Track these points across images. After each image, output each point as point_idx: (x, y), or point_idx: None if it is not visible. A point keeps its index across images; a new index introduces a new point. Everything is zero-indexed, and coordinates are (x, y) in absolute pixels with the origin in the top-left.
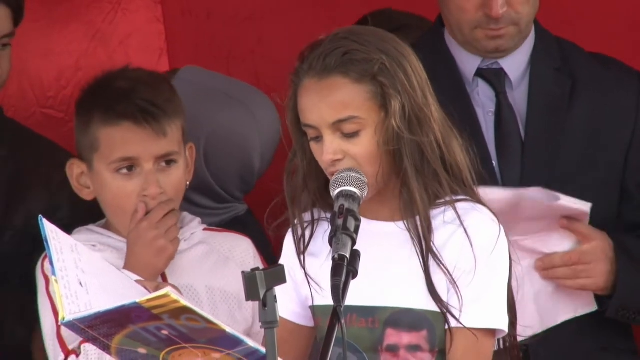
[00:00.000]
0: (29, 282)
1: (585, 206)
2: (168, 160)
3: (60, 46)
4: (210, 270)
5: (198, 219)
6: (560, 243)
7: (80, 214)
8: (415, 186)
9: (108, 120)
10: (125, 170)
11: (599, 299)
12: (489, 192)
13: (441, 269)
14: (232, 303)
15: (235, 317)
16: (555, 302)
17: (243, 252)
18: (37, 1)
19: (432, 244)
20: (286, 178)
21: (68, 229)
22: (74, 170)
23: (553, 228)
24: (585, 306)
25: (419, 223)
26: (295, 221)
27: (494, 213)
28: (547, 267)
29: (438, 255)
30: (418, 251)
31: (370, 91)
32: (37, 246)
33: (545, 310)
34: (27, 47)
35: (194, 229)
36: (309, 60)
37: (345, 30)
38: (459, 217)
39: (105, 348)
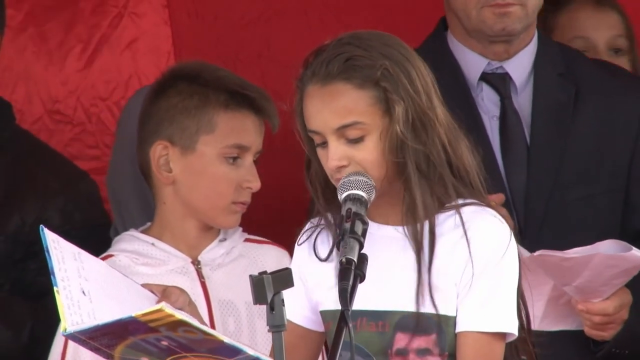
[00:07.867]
0: (20, 288)
1: None
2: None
3: (66, 50)
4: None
5: (240, 229)
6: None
7: (71, 224)
8: (418, 193)
9: (231, 105)
10: (231, 159)
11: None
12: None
13: (427, 274)
14: None
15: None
16: (560, 312)
17: (282, 266)
18: (42, 5)
19: (425, 249)
20: (309, 184)
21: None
22: (159, 151)
23: (610, 279)
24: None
25: (418, 229)
26: (329, 218)
27: (502, 215)
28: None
29: (427, 264)
30: (415, 257)
31: (374, 96)
32: (30, 254)
33: (547, 314)
34: (34, 51)
35: (235, 242)
36: (313, 67)
37: (349, 35)
38: (463, 223)
39: (109, 357)
